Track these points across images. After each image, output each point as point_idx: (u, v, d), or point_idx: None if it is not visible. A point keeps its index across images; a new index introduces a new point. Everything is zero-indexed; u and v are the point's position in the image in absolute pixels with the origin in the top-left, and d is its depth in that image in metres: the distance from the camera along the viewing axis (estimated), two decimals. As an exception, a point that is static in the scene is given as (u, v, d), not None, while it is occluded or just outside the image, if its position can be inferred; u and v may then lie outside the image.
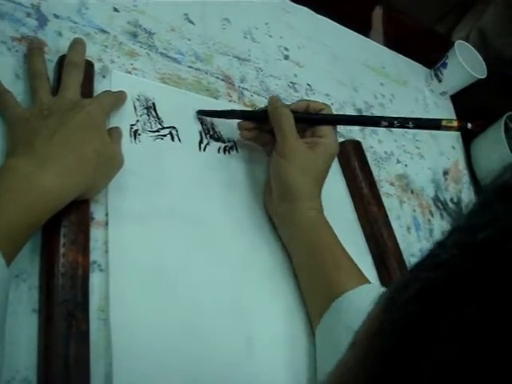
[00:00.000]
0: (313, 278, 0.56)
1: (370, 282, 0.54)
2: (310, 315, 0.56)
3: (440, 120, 0.56)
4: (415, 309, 0.17)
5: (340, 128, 0.78)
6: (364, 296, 0.50)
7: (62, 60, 0.54)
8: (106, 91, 0.55)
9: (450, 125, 0.56)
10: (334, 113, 0.63)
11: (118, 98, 0.56)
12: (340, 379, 0.20)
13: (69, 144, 0.45)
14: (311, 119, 0.60)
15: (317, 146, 0.57)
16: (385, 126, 0.58)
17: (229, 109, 0.63)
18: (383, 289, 0.53)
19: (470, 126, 0.54)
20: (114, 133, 0.53)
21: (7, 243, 0.39)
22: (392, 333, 0.18)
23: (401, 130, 0.88)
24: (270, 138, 0.61)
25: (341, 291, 0.51)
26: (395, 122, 0.57)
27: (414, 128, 0.57)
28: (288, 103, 0.61)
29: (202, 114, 0.63)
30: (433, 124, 0.59)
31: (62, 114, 0.48)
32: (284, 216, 0.58)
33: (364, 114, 0.84)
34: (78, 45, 0.55)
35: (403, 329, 0.17)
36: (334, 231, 0.57)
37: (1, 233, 0.39)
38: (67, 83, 0.52)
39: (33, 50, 0.54)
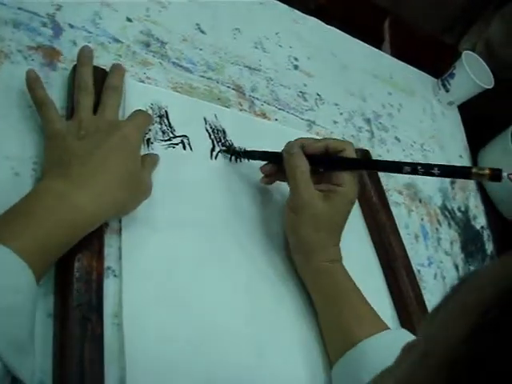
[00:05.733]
0: (330, 326, 0.56)
1: (387, 328, 0.53)
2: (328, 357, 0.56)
3: (470, 168, 0.50)
4: None
5: (349, 136, 0.79)
6: (381, 344, 0.50)
7: (76, 68, 0.55)
8: (139, 110, 0.54)
9: (481, 172, 0.49)
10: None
11: (150, 117, 0.56)
12: None
13: (105, 166, 0.46)
14: (329, 165, 0.57)
15: (333, 196, 0.54)
16: (407, 173, 0.52)
17: (250, 149, 0.63)
18: (402, 332, 0.54)
19: (505, 175, 0.48)
20: (149, 159, 0.54)
21: (38, 262, 0.39)
22: None
23: (408, 139, 0.89)
24: None
25: (357, 340, 0.51)
26: (419, 168, 0.51)
27: (439, 176, 0.51)
28: (308, 137, 0.57)
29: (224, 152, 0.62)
30: (461, 172, 0.52)
31: (99, 135, 0.48)
32: (300, 264, 0.58)
33: (373, 123, 0.85)
34: (117, 70, 0.57)
35: None
36: (351, 279, 0.56)
37: (33, 251, 0.39)
38: (107, 104, 0.53)
39: (82, 59, 0.54)
